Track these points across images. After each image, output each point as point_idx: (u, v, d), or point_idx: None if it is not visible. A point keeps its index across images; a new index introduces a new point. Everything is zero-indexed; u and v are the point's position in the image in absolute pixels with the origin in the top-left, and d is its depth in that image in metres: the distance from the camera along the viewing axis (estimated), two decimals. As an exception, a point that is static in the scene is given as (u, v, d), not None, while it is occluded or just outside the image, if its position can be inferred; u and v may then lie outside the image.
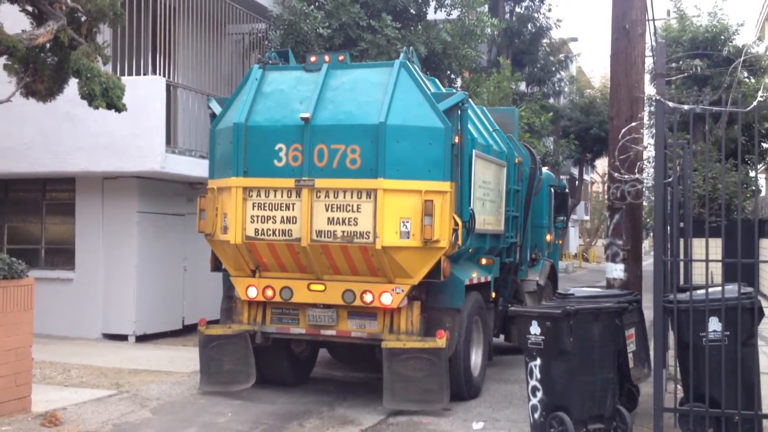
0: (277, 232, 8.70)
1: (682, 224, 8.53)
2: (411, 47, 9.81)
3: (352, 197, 8.45)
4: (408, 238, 8.38)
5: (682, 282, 8.44)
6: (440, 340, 8.50)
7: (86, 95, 8.99)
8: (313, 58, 9.26)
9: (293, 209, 8.62)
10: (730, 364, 6.83)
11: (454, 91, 9.30)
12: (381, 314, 8.81)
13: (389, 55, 15.03)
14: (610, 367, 7.42)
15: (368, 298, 8.62)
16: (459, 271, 9.12)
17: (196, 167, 13.52)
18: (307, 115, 8.57)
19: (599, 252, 45.72)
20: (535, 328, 7.29)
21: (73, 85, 9.29)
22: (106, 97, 9.01)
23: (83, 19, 9.18)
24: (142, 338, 13.40)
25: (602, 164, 41.56)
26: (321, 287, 8.82)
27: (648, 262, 11.25)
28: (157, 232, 13.84)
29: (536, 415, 7.38)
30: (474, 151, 9.19)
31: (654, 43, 15.20)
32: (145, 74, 13.07)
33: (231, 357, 9.13)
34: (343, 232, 8.47)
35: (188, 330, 14.43)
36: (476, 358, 9.67)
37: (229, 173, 8.87)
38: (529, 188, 11.72)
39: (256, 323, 9.20)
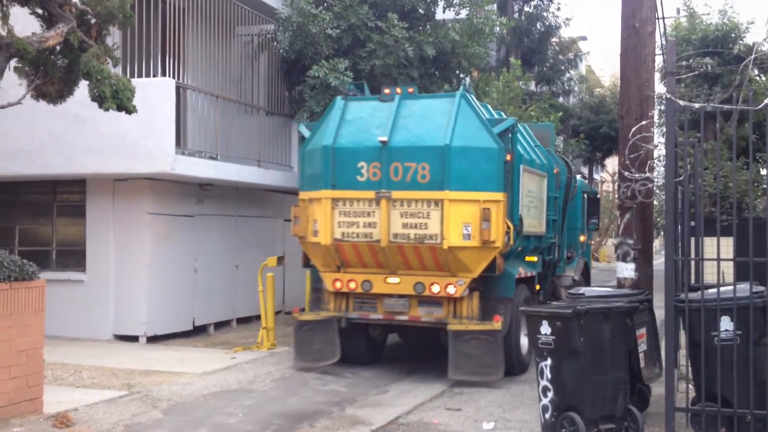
0: (360, 235, 10.38)
1: (693, 223, 8.48)
2: (468, 80, 11.19)
3: (422, 206, 10.12)
4: (469, 239, 10.01)
5: (693, 281, 8.39)
6: (496, 324, 10.06)
7: (96, 97, 9.02)
8: (387, 91, 10.93)
9: (373, 216, 10.30)
10: (742, 364, 6.80)
11: (505, 117, 11.20)
12: (446, 302, 10.42)
13: (397, 55, 15.03)
14: (621, 367, 7.39)
15: (436, 288, 10.29)
16: (510, 266, 10.68)
17: (205, 168, 13.56)
18: (384, 138, 10.24)
19: (609, 251, 45.54)
20: (545, 328, 7.27)
21: (83, 87, 9.32)
22: (116, 98, 9.04)
23: (93, 21, 9.20)
24: (152, 339, 13.44)
25: (612, 163, 41.40)
26: (396, 280, 10.50)
27: (659, 262, 11.22)
28: (168, 234, 13.88)
29: (547, 416, 7.35)
30: (521, 166, 10.76)
31: (664, 42, 15.14)
32: (154, 76, 13.11)
33: (320, 338, 10.80)
34: (416, 234, 10.14)
35: (199, 331, 14.46)
36: (525, 340, 10.88)
37: (320, 186, 10.53)
38: (565, 195, 13.38)
39: (341, 311, 10.88)
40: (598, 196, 17.15)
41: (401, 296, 10.53)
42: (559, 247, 13.14)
